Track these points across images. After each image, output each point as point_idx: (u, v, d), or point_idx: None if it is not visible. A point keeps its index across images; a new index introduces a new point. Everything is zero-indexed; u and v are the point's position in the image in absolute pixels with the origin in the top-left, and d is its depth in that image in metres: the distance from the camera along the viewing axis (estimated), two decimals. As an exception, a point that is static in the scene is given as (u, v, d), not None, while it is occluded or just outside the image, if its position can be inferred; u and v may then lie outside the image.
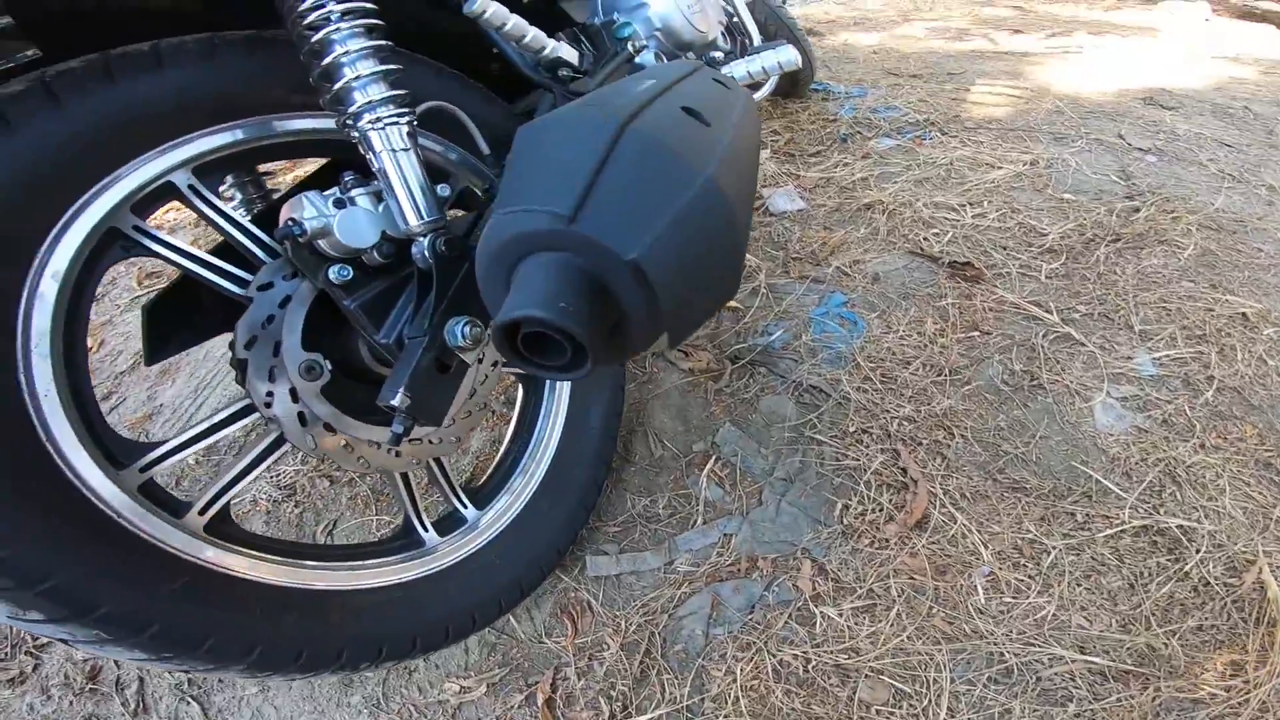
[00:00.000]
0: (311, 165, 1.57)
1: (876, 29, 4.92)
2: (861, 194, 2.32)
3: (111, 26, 0.95)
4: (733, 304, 1.82)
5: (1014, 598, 1.10)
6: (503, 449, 1.32)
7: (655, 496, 1.39)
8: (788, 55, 1.64)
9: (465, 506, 1.19)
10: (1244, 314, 1.53)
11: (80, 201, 0.82)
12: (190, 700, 1.32)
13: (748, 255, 2.00)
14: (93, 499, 0.81)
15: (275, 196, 1.26)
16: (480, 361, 1.08)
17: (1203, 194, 2.11)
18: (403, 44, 1.04)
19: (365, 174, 0.99)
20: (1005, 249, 1.88)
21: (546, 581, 1.26)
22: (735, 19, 2.25)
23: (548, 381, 1.33)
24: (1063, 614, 1.07)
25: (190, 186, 0.92)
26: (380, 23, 0.91)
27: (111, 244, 0.87)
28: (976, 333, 1.60)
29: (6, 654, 1.50)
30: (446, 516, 1.20)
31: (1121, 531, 1.16)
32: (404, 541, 1.13)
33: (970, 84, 3.41)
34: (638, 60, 1.42)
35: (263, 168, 1.34)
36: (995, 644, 1.06)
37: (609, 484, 1.40)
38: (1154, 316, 1.57)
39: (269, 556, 0.95)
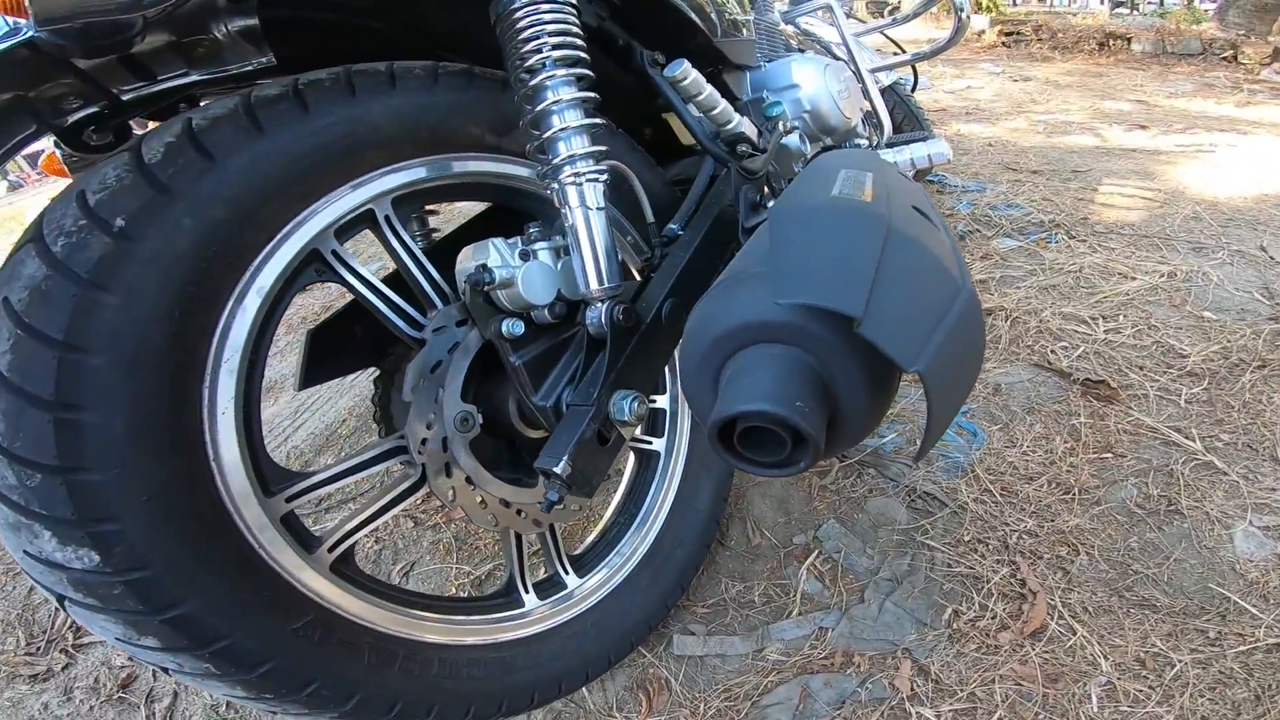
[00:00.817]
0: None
1: (990, 120, 5.31)
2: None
3: (338, 45, 1.20)
4: None
5: (1130, 707, 1.26)
6: (607, 519, 1.53)
7: (750, 583, 1.59)
8: (939, 148, 1.92)
9: (567, 573, 1.40)
10: None
11: (300, 216, 0.98)
12: None
13: None
14: (240, 524, 0.94)
15: (435, 238, 1.55)
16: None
17: None
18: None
19: (546, 225, 1.19)
20: (1142, 369, 2.08)
21: (626, 657, 1.46)
22: (870, 106, 2.55)
23: (662, 458, 1.54)
24: None
25: (386, 217, 1.11)
26: (591, 74, 1.10)
27: (309, 266, 1.03)
28: (1110, 454, 1.79)
29: (39, 648, 1.72)
30: (546, 580, 1.40)
31: (1254, 648, 1.31)
32: (504, 600, 1.33)
33: (1097, 183, 3.70)
34: (784, 142, 1.65)
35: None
36: None
37: (703, 566, 1.60)
38: None
39: (384, 602, 1.12)
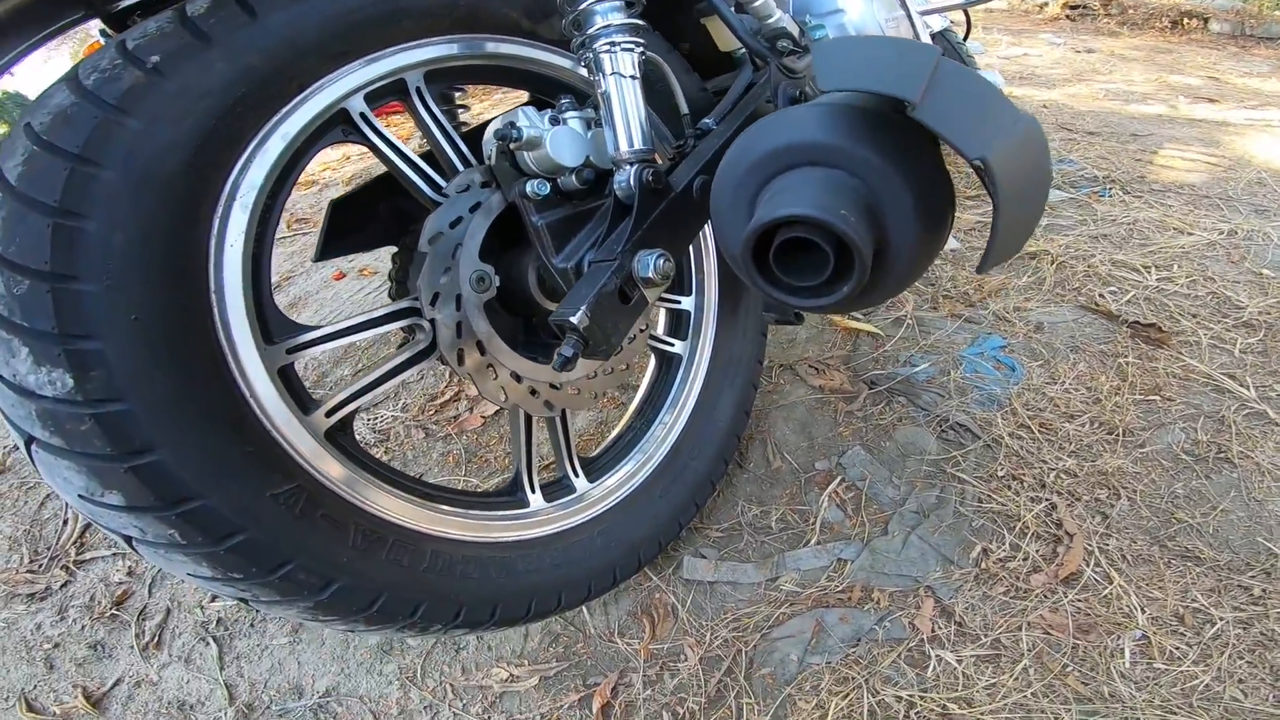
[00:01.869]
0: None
1: (1047, 86, 5.06)
2: (1034, 242, 2.42)
3: None
4: (874, 330, 1.94)
5: (1166, 664, 1.14)
6: (623, 424, 1.44)
7: (768, 508, 1.48)
8: (991, 77, 1.77)
9: (577, 475, 1.31)
10: None
11: (332, 74, 0.99)
12: (210, 641, 1.44)
13: None
14: (232, 366, 0.90)
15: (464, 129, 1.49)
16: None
17: None
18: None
19: (580, 102, 1.16)
20: (1195, 317, 1.95)
21: (639, 570, 1.36)
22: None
23: (683, 363, 1.46)
24: (1217, 685, 1.11)
25: (418, 89, 1.10)
26: None
27: (335, 125, 1.03)
28: (1157, 397, 1.67)
29: (42, 565, 1.66)
30: (555, 482, 1.32)
31: None
32: (508, 498, 1.24)
33: (1158, 147, 3.50)
34: None
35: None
36: (1133, 709, 1.10)
37: (720, 486, 1.50)
38: None
39: (380, 482, 1.04)
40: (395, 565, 1.03)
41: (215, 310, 0.89)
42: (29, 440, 0.81)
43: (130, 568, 1.63)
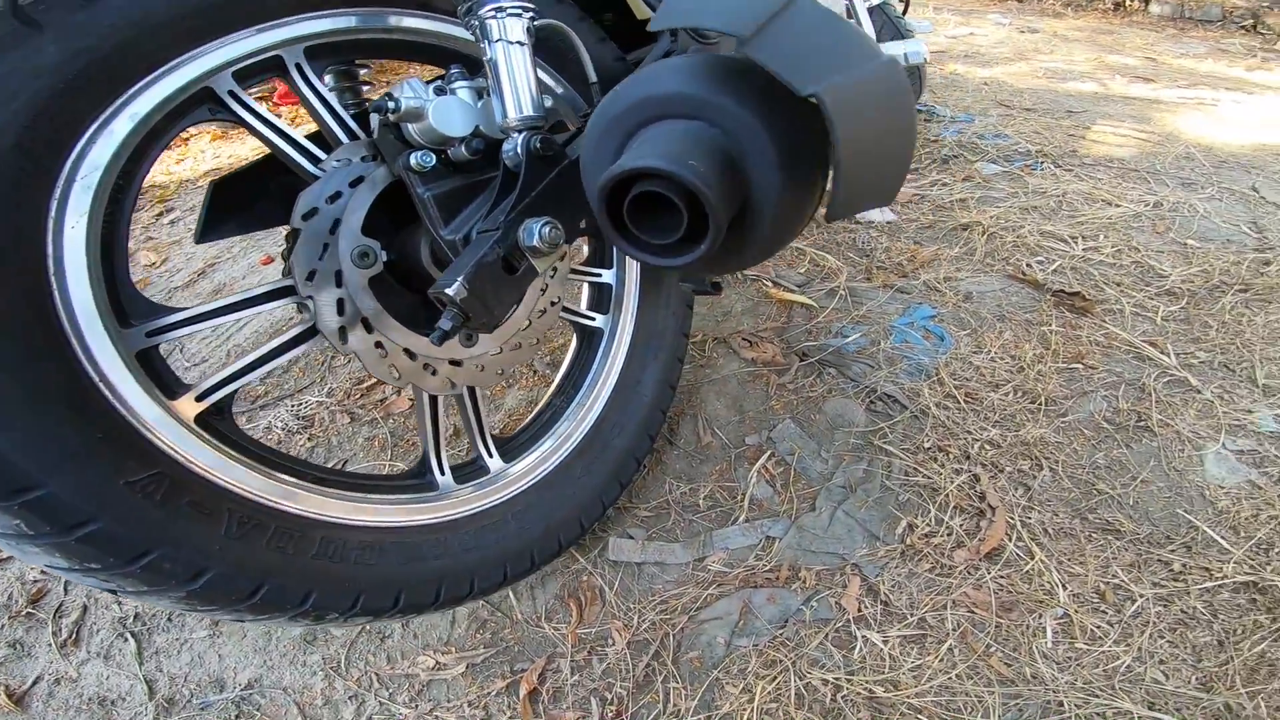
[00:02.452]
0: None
1: (989, 64, 5.09)
2: (959, 214, 2.46)
3: None
4: (808, 301, 1.91)
5: (1087, 644, 1.12)
6: (543, 402, 1.38)
7: (696, 485, 1.44)
8: (916, 48, 1.77)
9: (490, 455, 1.24)
10: None
11: (189, 54, 0.93)
12: (129, 636, 1.38)
13: (826, 256, 2.08)
14: (77, 351, 0.84)
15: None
16: (544, 290, 1.16)
17: None
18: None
19: (472, 73, 1.10)
20: (1119, 285, 1.96)
21: (559, 558, 1.31)
22: (855, 19, 2.39)
23: (605, 337, 1.40)
24: (1138, 666, 1.10)
25: (297, 65, 1.04)
26: None
27: (199, 104, 0.97)
28: (1080, 365, 1.66)
29: None
30: (468, 463, 1.25)
31: (1220, 586, 1.19)
32: (416, 482, 1.17)
33: (1091, 123, 3.54)
34: None
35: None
36: (1056, 691, 1.08)
37: (649, 463, 1.45)
38: None
39: (258, 465, 0.97)
40: (279, 552, 0.97)
41: (55, 292, 0.83)
42: None
43: (48, 565, 1.53)
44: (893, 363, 1.70)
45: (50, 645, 1.41)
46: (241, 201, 1.28)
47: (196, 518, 0.88)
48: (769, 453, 1.49)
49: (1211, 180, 2.77)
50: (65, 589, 1.51)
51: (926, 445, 1.47)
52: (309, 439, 1.67)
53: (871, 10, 3.01)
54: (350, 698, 1.21)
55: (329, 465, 1.54)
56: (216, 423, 0.96)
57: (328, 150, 1.09)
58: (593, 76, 1.23)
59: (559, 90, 1.34)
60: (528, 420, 1.36)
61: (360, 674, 1.23)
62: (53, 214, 0.84)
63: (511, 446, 1.29)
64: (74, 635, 1.42)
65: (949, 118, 3.65)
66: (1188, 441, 1.45)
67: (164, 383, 0.91)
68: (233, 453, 0.95)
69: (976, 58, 5.32)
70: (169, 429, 0.87)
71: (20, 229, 0.82)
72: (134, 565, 0.81)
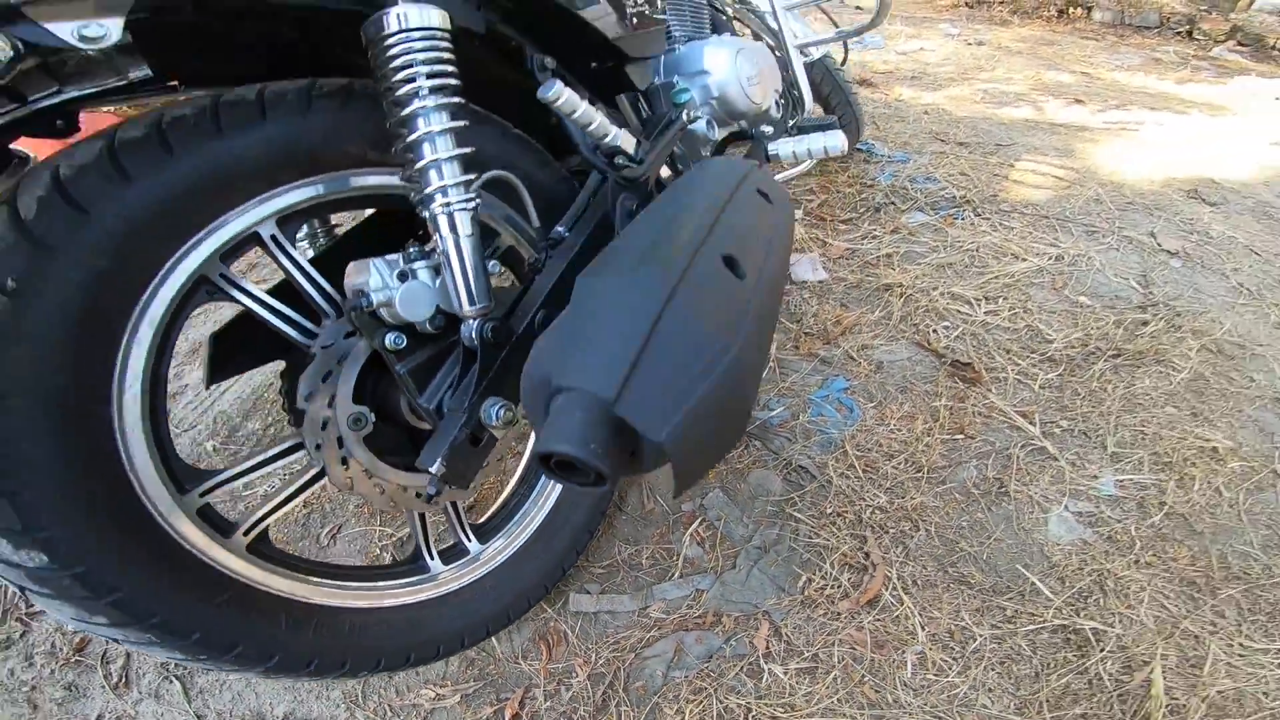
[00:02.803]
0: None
1: (932, 87, 5.33)
2: (884, 273, 2.68)
3: (222, 50, 1.20)
4: None
5: (935, 675, 1.44)
6: (508, 491, 1.66)
7: (640, 547, 1.75)
8: (835, 141, 1.96)
9: (469, 540, 1.53)
10: (1215, 448, 1.87)
11: (181, 250, 1.02)
12: (173, 679, 1.63)
13: None
14: (159, 520, 1.05)
15: (337, 234, 1.60)
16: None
17: (1215, 310, 2.42)
18: (474, 88, 1.22)
19: (424, 240, 1.26)
20: (1008, 352, 2.22)
21: (529, 611, 1.61)
22: (793, 81, 2.57)
23: None
24: (972, 694, 1.41)
25: (273, 236, 1.14)
26: (462, 101, 1.13)
27: (199, 290, 1.07)
28: (961, 435, 1.94)
29: None
30: (451, 547, 1.54)
31: (1042, 627, 1.50)
32: (412, 567, 1.47)
33: (1016, 158, 3.73)
34: (691, 128, 1.73)
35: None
36: (910, 714, 1.40)
37: (601, 528, 1.75)
38: (1129, 439, 1.91)
39: (297, 574, 1.25)
40: (321, 635, 1.25)
41: (135, 484, 1.03)
42: (22, 589, 0.97)
43: (83, 619, 1.80)
44: (808, 436, 1.98)
45: (104, 687, 1.64)
46: (238, 348, 1.45)
47: (262, 619, 1.17)
48: (700, 519, 1.79)
49: (1115, 226, 2.96)
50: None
51: (828, 511, 1.77)
52: (304, 506, 1.95)
53: (812, 65, 3.17)
54: None
55: (327, 543, 1.83)
56: (263, 547, 1.22)
57: (304, 307, 1.21)
58: (535, 222, 1.39)
59: (509, 220, 1.46)
60: (496, 507, 1.64)
61: (375, 705, 1.52)
62: (116, 424, 1.01)
63: (485, 530, 1.57)
64: (124, 678, 1.65)
65: (886, 158, 3.79)
66: (1037, 505, 1.74)
67: (219, 526, 1.14)
68: (277, 568, 1.22)
69: (922, 79, 5.53)
70: (230, 560, 1.14)
71: (99, 444, 0.99)
72: (228, 656, 1.11)
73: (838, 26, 2.99)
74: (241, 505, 1.95)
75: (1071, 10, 9.01)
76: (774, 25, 2.59)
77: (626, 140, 1.43)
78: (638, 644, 1.58)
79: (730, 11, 2.75)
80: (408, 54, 1.07)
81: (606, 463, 0.80)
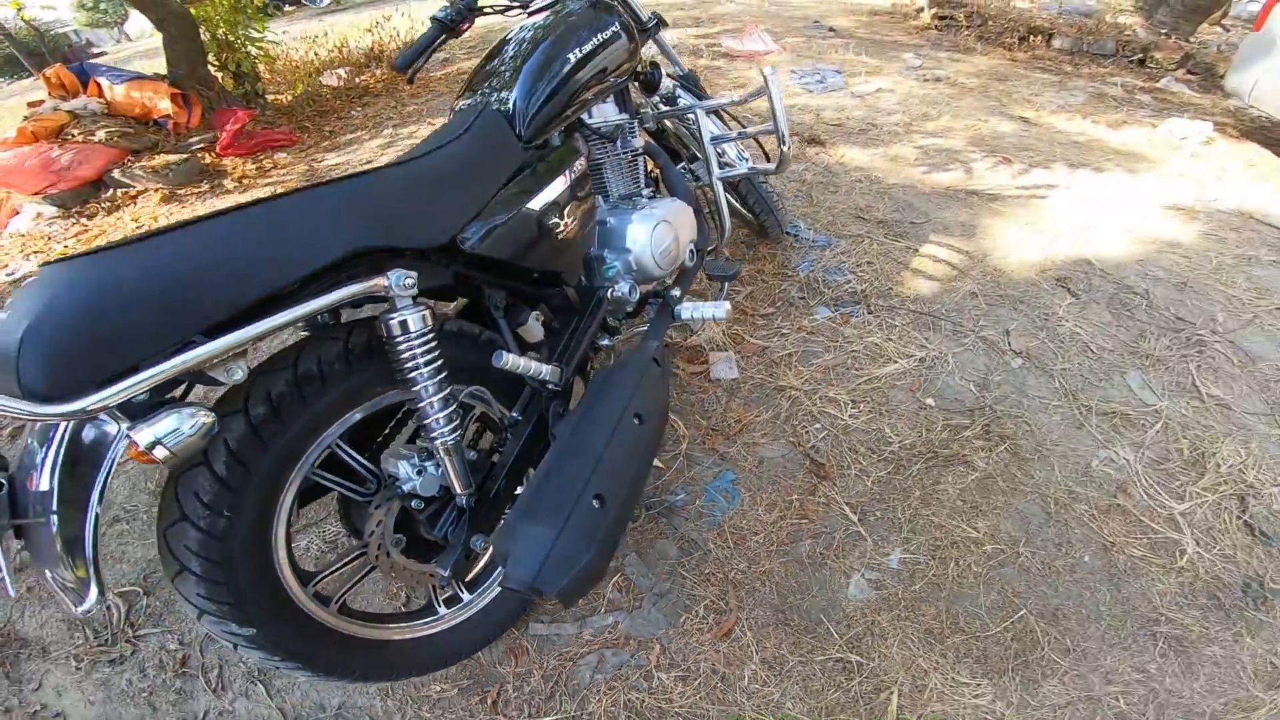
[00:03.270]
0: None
1: (876, 142, 5.55)
2: (782, 374, 3.15)
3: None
4: (659, 464, 2.79)
5: (760, 686, 2.18)
6: (483, 562, 2.20)
7: (579, 592, 2.54)
8: (720, 312, 2.53)
9: (464, 593, 2.27)
10: (977, 538, 2.41)
11: (303, 459, 1.55)
12: (258, 682, 2.19)
13: (679, 422, 3.05)
14: (297, 601, 1.61)
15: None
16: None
17: (1030, 413, 2.85)
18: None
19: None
20: (855, 452, 2.75)
21: (502, 634, 2.39)
22: (715, 210, 3.03)
23: None
24: (783, 699, 2.13)
25: (337, 443, 1.62)
26: (441, 369, 1.60)
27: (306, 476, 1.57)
28: (805, 520, 2.52)
29: (108, 640, 2.34)
30: (450, 597, 2.27)
31: (828, 658, 2.23)
32: (426, 612, 2.21)
33: (923, 242, 4.05)
34: (614, 292, 2.30)
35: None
36: (740, 708, 2.20)
37: None
38: (920, 527, 2.45)
39: (358, 622, 1.85)
40: (368, 655, 1.83)
41: (287, 589, 1.60)
42: (235, 645, 1.52)
43: (180, 638, 2.35)
44: (700, 516, 2.55)
45: (205, 690, 2.16)
46: (314, 494, 1.86)
47: (342, 648, 1.77)
48: (620, 572, 2.41)
49: (978, 325, 3.33)
50: (201, 652, 2.27)
51: (705, 572, 2.39)
52: (335, 554, 2.64)
53: (735, 183, 3.51)
54: (397, 709, 2.10)
55: (382, 612, 2.42)
56: (344, 609, 1.83)
57: (361, 479, 1.74)
58: (498, 409, 2.01)
59: (487, 407, 2.02)
60: (479, 569, 2.16)
61: (400, 696, 2.23)
62: (276, 561, 1.56)
63: (474, 585, 2.15)
64: (220, 683, 2.19)
65: (809, 242, 4.10)
66: (843, 573, 2.35)
67: (323, 601, 1.72)
68: (353, 620, 1.83)
69: (868, 132, 5.73)
70: (330, 619, 1.74)
71: (270, 572, 1.55)
72: (330, 673, 1.78)
73: (743, 126, 3.28)
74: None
75: (1032, 38, 9.15)
76: (701, 154, 2.99)
77: (553, 374, 1.94)
78: (575, 656, 2.20)
79: (679, 125, 3.15)
80: (409, 348, 1.56)
81: (535, 594, 1.52)
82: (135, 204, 6.37)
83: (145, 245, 1.16)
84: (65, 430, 1.19)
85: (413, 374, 1.57)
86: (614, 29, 2.22)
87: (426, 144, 1.77)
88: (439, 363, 1.59)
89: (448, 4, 2.16)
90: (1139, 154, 5.29)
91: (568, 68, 2.05)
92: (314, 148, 7.23)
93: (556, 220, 1.99)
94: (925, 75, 7.47)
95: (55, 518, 1.12)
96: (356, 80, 9.44)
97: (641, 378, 1.88)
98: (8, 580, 1.26)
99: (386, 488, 1.77)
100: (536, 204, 1.90)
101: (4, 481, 1.17)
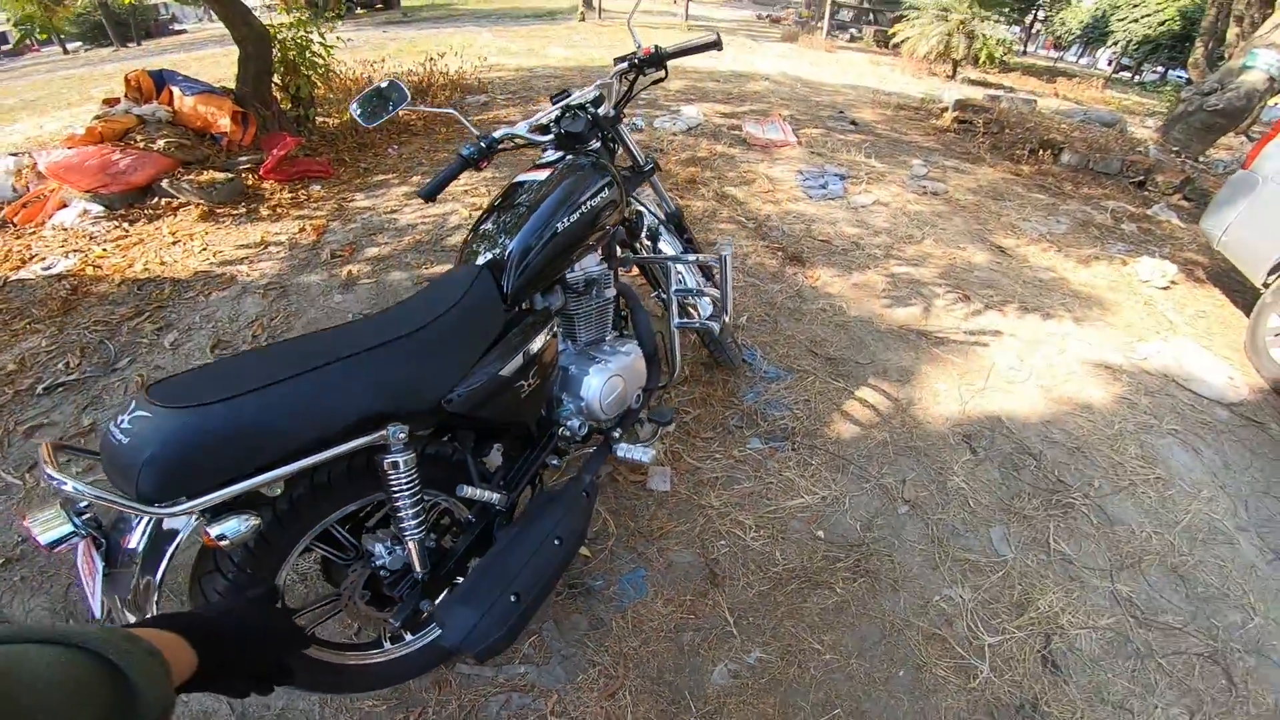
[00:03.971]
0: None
1: (852, 266, 5.87)
2: (705, 494, 3.51)
3: None
4: (586, 552, 3.18)
5: (657, 715, 2.95)
6: (426, 613, 2.85)
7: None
8: (647, 457, 2.78)
9: (406, 631, 2.83)
10: (820, 649, 2.84)
11: (308, 534, 1.99)
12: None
13: (610, 520, 3.69)
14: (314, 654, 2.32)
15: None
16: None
17: (899, 553, 3.23)
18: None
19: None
20: (747, 568, 3.14)
21: (434, 668, 3.05)
22: (669, 354, 3.24)
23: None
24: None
25: (334, 527, 2.10)
26: (419, 494, 2.03)
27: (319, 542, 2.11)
28: (692, 616, 2.95)
29: None
30: (395, 635, 2.70)
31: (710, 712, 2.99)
32: (376, 644, 2.76)
33: (859, 384, 4.35)
34: (565, 429, 2.72)
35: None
36: (712, 710, 2.91)
37: None
38: (780, 634, 2.88)
39: (347, 654, 2.66)
40: (335, 674, 2.33)
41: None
42: None
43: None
44: (611, 600, 2.97)
45: None
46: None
47: (341, 674, 2.55)
48: (538, 634, 2.86)
49: (882, 471, 3.69)
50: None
51: (605, 644, 2.81)
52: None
53: (702, 333, 3.88)
54: (332, 716, 2.68)
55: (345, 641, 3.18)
56: (318, 641, 2.55)
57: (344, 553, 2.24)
58: (461, 511, 2.68)
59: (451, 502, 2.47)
60: (424, 616, 2.43)
61: (336, 705, 2.85)
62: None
63: (414, 626, 2.53)
64: None
65: (761, 373, 4.42)
66: (711, 661, 2.81)
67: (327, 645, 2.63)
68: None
69: (849, 254, 6.08)
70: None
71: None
72: (324, 688, 2.56)
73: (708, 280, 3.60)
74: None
75: (1042, 152, 9.37)
76: (664, 298, 3.28)
77: (501, 501, 2.32)
78: (488, 693, 2.64)
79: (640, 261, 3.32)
80: (397, 479, 1.97)
81: (460, 653, 2.31)
82: (175, 215, 6.67)
83: (233, 403, 1.54)
84: (154, 519, 1.59)
85: (397, 496, 2.00)
86: (608, 191, 2.49)
87: (429, 300, 2.09)
88: (418, 487, 2.01)
89: (471, 144, 2.47)
90: (1096, 297, 5.54)
91: (558, 236, 2.31)
92: (346, 185, 7.60)
93: (524, 383, 2.30)
94: (925, 189, 7.71)
95: (137, 568, 1.60)
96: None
97: (569, 508, 2.40)
98: (96, 604, 1.61)
99: (363, 558, 2.24)
100: (509, 370, 2.20)
101: (103, 540, 1.60)
